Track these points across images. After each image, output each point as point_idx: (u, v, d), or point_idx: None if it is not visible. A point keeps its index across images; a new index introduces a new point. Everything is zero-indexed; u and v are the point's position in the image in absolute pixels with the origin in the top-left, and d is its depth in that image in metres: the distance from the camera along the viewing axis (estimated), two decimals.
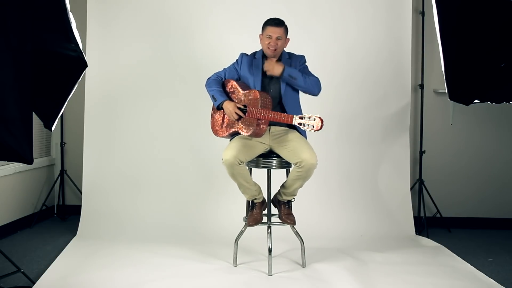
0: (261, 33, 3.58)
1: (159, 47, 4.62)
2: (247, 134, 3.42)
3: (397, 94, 4.63)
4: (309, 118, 3.25)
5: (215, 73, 3.65)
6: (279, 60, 3.60)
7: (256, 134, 3.43)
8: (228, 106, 3.47)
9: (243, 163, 3.35)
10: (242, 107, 3.46)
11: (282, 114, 3.34)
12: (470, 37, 3.44)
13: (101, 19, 4.61)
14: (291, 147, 3.43)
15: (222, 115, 3.57)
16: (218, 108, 3.54)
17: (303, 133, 3.57)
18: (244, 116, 3.43)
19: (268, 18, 3.58)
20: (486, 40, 3.42)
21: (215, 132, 3.61)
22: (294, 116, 3.30)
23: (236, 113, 3.44)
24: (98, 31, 4.61)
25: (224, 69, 3.66)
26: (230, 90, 3.56)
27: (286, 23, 3.55)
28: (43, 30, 3.06)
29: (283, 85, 3.53)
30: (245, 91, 3.49)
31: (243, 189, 3.47)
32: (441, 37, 3.45)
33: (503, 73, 3.44)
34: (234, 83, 3.56)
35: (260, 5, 4.54)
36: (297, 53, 3.67)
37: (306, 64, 3.64)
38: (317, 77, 3.56)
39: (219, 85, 3.59)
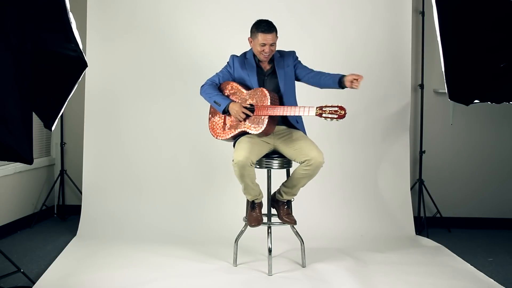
0: (250, 36, 3.54)
1: (159, 47, 4.62)
2: (257, 133, 3.39)
3: (397, 94, 4.63)
4: (331, 107, 3.19)
5: (208, 80, 3.61)
6: (271, 60, 3.58)
7: (266, 133, 3.41)
8: (234, 106, 3.43)
9: (254, 164, 3.34)
10: (249, 106, 3.44)
11: (300, 107, 3.29)
12: (470, 37, 3.44)
13: (101, 19, 4.61)
14: (296, 146, 3.43)
15: (222, 117, 3.54)
16: (224, 112, 3.49)
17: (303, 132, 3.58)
18: (252, 115, 3.41)
19: (258, 20, 3.51)
20: (486, 40, 3.42)
21: (216, 135, 3.56)
22: (315, 107, 3.23)
23: (243, 112, 3.41)
24: (98, 31, 4.61)
25: (217, 74, 3.63)
26: (231, 92, 3.54)
27: (276, 23, 3.51)
28: (43, 30, 3.06)
29: (282, 81, 3.51)
30: (249, 91, 3.47)
31: (248, 189, 3.44)
32: (441, 37, 3.45)
33: (503, 73, 3.44)
34: (235, 84, 3.55)
35: (260, 4, 4.54)
36: (295, 52, 3.66)
37: (298, 59, 3.63)
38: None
39: (217, 89, 3.56)
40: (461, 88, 3.58)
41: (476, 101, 3.67)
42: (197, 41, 4.60)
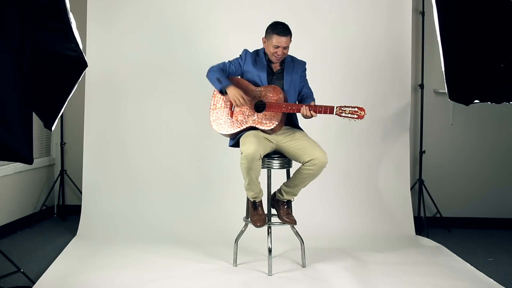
0: (265, 37, 3.55)
1: (159, 47, 4.62)
2: (269, 129, 3.40)
3: (397, 94, 4.63)
4: (352, 107, 3.26)
5: (220, 63, 3.57)
6: (282, 63, 3.59)
7: (275, 130, 3.43)
8: (235, 89, 3.41)
9: (261, 157, 3.34)
10: (256, 102, 3.44)
11: (321, 105, 3.32)
12: (470, 37, 3.44)
13: (101, 19, 4.61)
14: (300, 145, 3.43)
15: (228, 111, 3.51)
16: (221, 92, 3.46)
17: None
18: (265, 111, 3.43)
19: (274, 22, 3.52)
20: (486, 40, 3.42)
21: (220, 129, 3.52)
22: (335, 106, 3.29)
23: (242, 97, 3.40)
24: (98, 31, 4.61)
25: (229, 61, 3.59)
26: (239, 86, 3.51)
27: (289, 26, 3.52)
28: (43, 30, 3.06)
29: (287, 86, 3.52)
30: (260, 87, 3.48)
31: (251, 185, 3.41)
32: (441, 37, 3.45)
33: (503, 73, 3.44)
34: (245, 81, 3.54)
35: (260, 5, 4.54)
36: (298, 55, 3.67)
37: (306, 72, 3.66)
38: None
39: (224, 75, 3.52)
40: (461, 88, 3.58)
41: (476, 101, 3.67)
42: (197, 41, 4.60)
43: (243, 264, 3.66)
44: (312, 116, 3.36)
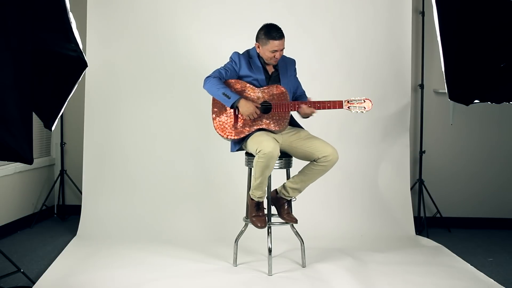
0: (257, 42, 3.50)
1: (159, 47, 4.62)
2: (279, 129, 3.42)
3: (397, 94, 4.63)
4: (359, 100, 3.35)
5: (215, 71, 3.50)
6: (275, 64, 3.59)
7: (283, 129, 3.46)
8: (247, 104, 3.38)
9: (279, 155, 3.34)
10: (263, 102, 3.45)
11: (329, 101, 3.37)
12: (470, 37, 3.44)
13: (101, 19, 4.61)
14: (308, 144, 3.43)
15: (232, 116, 3.49)
16: (232, 106, 3.41)
17: None
18: (261, 114, 3.43)
19: (266, 25, 3.48)
20: (486, 40, 3.42)
21: (226, 135, 3.47)
22: (343, 100, 3.36)
23: (255, 112, 3.40)
24: (98, 31, 4.61)
25: (223, 68, 3.54)
26: (241, 89, 3.50)
27: (276, 23, 3.50)
28: (43, 30, 3.06)
29: (285, 84, 3.52)
30: (262, 87, 3.48)
31: (262, 185, 3.39)
32: (441, 37, 3.45)
33: (503, 73, 3.44)
34: (243, 82, 3.52)
35: (259, 5, 4.54)
36: (298, 55, 3.67)
37: (296, 71, 3.67)
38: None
39: (223, 84, 3.46)
40: (461, 88, 3.58)
41: (476, 101, 3.67)
42: (197, 40, 4.60)
43: (243, 264, 3.66)
44: (311, 113, 3.38)
